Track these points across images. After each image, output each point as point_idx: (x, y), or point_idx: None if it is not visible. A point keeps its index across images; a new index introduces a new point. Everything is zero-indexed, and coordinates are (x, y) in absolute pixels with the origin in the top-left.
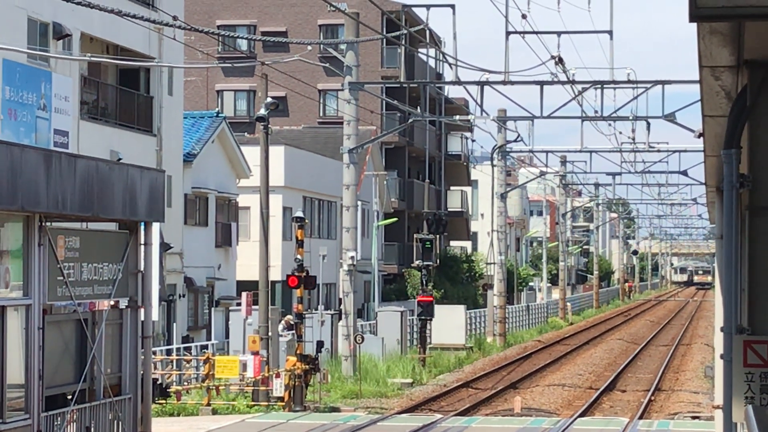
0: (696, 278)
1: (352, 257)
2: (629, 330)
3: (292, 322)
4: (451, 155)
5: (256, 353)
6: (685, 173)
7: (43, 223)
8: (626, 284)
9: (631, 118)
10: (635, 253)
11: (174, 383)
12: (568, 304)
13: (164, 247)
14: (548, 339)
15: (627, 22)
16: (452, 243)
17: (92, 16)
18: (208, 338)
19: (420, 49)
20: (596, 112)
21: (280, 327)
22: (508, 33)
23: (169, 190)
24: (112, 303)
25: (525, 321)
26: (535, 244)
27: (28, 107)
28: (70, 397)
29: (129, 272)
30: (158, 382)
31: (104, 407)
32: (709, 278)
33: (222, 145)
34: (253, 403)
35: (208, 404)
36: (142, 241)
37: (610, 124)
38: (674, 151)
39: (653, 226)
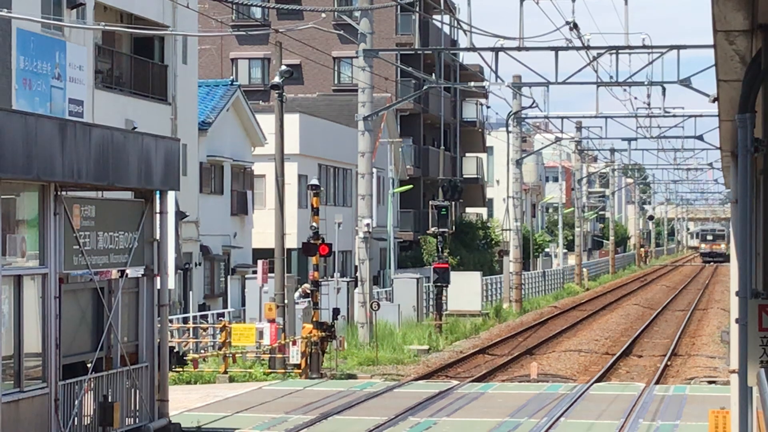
0: (704, 246)
1: (368, 224)
2: (645, 295)
3: (308, 290)
4: (466, 122)
5: (272, 321)
6: (700, 138)
7: (59, 193)
8: (642, 249)
9: (646, 83)
10: (651, 218)
11: (191, 351)
12: (584, 269)
13: (180, 215)
14: (564, 305)
15: None
16: (468, 210)
17: None
18: (225, 306)
19: (434, 16)
20: (611, 77)
21: (296, 294)
22: None
23: (184, 158)
24: (128, 272)
25: (541, 287)
26: (550, 210)
27: (43, 77)
28: (88, 365)
29: (145, 241)
30: (175, 350)
31: (121, 375)
32: (723, 246)
33: (237, 113)
34: (269, 370)
35: (225, 372)
36: (158, 210)
37: (625, 90)
38: (690, 116)
39: (669, 191)
